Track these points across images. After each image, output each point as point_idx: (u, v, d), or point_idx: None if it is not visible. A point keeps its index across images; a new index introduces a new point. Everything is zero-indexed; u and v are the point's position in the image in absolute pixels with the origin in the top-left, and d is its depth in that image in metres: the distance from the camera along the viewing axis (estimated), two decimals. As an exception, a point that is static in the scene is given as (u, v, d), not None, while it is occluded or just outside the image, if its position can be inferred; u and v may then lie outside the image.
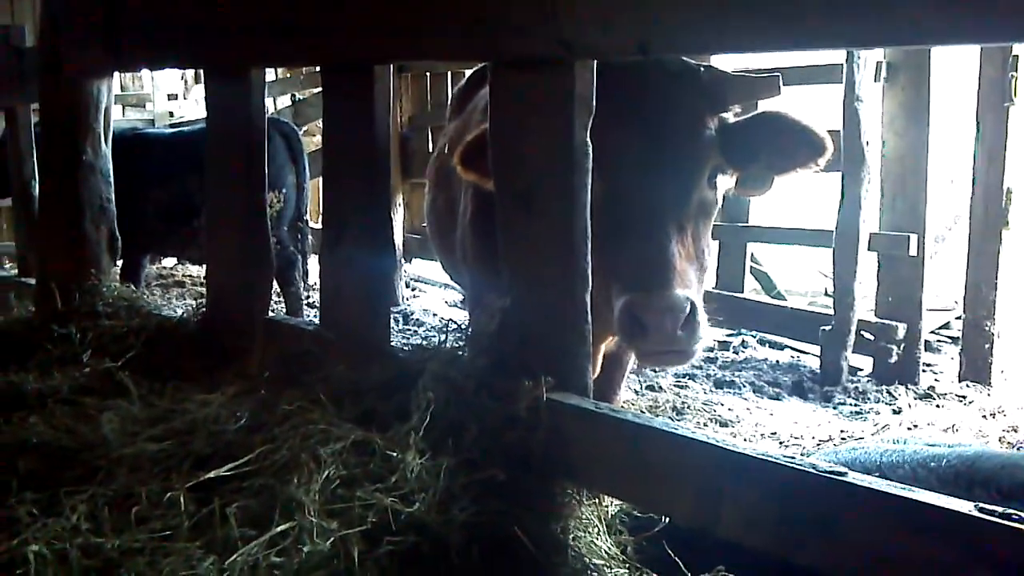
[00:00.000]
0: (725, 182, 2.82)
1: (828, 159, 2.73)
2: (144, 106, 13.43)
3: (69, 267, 3.88)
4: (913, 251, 6.10)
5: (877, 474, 2.14)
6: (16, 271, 6.18)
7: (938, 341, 7.32)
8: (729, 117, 2.78)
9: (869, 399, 5.82)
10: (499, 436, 2.31)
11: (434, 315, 8.34)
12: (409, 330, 7.71)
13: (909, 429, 5.09)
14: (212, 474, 2.16)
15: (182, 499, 2.10)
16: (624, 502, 2.47)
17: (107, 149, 3.98)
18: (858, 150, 5.88)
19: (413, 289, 9.73)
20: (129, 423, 2.54)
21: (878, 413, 5.52)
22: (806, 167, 2.77)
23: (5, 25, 5.92)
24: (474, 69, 4.50)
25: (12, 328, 3.73)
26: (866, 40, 2.36)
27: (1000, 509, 1.61)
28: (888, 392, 5.90)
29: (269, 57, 3.49)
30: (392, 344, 2.98)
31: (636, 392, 5.73)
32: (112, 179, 4.03)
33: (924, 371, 6.31)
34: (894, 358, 6.10)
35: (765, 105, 3.09)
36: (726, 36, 2.11)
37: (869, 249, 6.16)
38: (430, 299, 9.30)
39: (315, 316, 5.92)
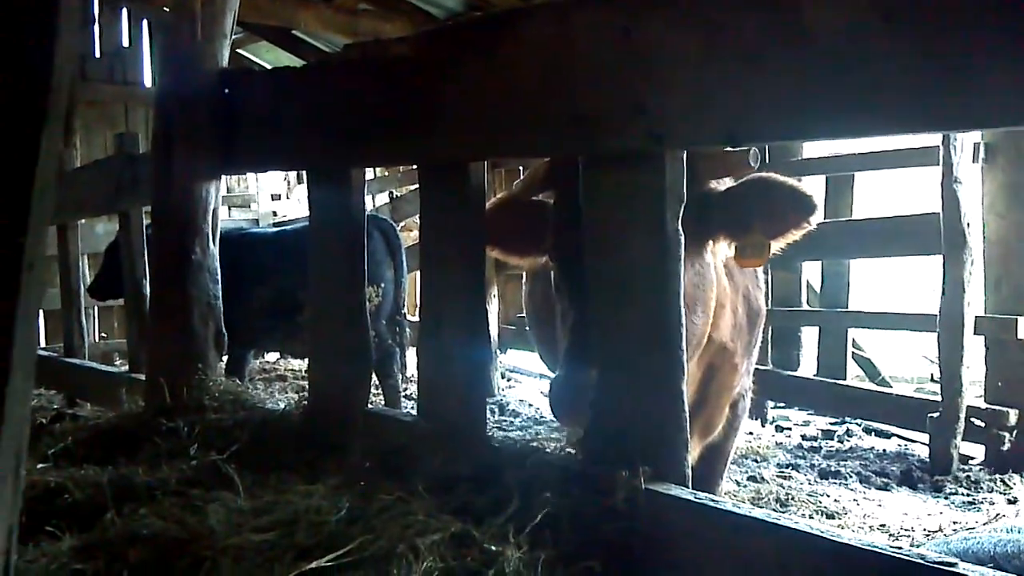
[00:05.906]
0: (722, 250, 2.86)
1: (816, 217, 2.71)
2: (249, 206, 13.91)
3: (177, 362, 3.99)
4: (1021, 334, 5.90)
5: (991, 565, 2.07)
6: (127, 367, 6.40)
7: (1054, 427, 7.01)
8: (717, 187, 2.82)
9: (982, 488, 5.58)
10: (597, 528, 2.30)
11: (530, 405, 8.32)
12: (505, 421, 7.69)
13: (1027, 520, 4.88)
14: (314, 565, 2.19)
15: (285, 590, 2.13)
16: (726, 595, 2.42)
17: (215, 248, 4.13)
18: (959, 233, 5.77)
19: (508, 380, 9.77)
20: (234, 514, 2.59)
21: (992, 503, 5.30)
22: (799, 227, 2.73)
23: (120, 133, 6.25)
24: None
25: (123, 423, 3.85)
26: (953, 124, 2.36)
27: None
28: (1002, 481, 5.66)
29: (369, 158, 3.60)
30: (488, 435, 2.99)
31: (737, 483, 5.62)
32: (219, 277, 4.19)
33: (1040, 458, 6.05)
34: (1007, 445, 5.87)
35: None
36: (811, 124, 2.15)
37: (975, 333, 5.99)
38: (526, 390, 9.31)
39: (413, 408, 5.98)
